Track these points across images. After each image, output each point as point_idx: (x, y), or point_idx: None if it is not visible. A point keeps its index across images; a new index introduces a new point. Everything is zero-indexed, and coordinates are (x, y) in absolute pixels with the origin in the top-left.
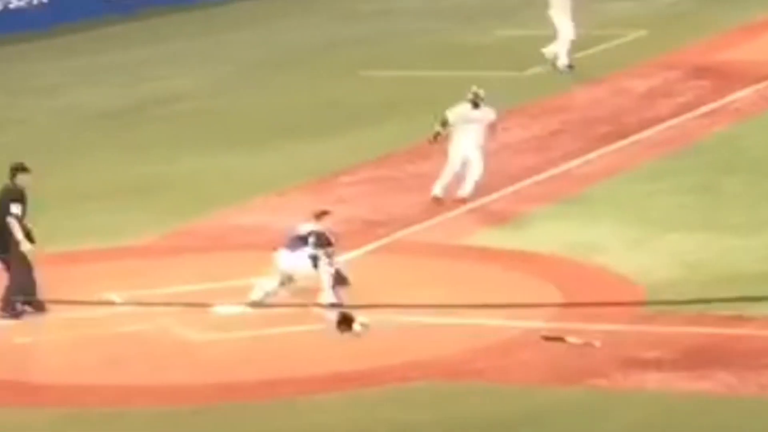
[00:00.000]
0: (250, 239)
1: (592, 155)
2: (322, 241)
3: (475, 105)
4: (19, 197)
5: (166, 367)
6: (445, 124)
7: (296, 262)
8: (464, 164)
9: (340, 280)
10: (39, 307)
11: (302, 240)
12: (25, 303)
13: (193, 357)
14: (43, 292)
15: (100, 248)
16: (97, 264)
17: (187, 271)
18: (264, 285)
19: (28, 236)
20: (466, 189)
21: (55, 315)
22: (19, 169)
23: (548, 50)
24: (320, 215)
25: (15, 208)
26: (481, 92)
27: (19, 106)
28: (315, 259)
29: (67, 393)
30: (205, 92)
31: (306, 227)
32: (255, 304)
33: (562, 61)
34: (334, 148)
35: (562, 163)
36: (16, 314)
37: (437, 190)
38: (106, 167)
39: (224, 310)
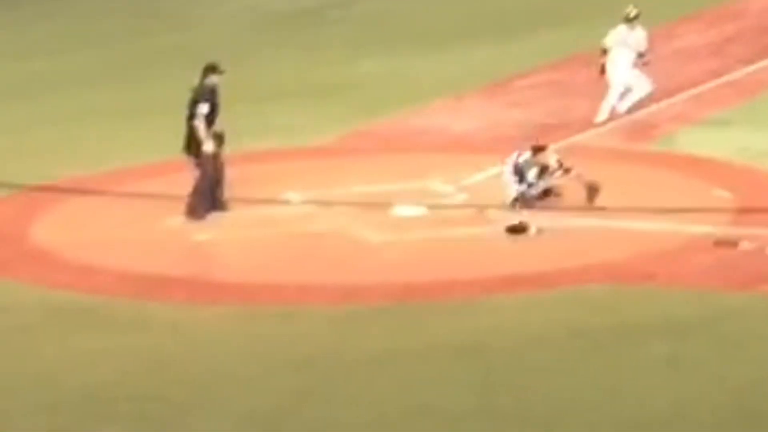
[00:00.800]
0: (429, 141)
1: (766, 62)
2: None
3: (630, 24)
4: (206, 97)
5: (343, 267)
6: (605, 52)
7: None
8: (626, 88)
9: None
10: (221, 206)
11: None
12: (208, 205)
13: (371, 257)
14: (227, 191)
15: (279, 148)
16: (277, 164)
17: (366, 172)
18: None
19: (220, 138)
20: (623, 105)
21: (234, 214)
22: (209, 68)
23: None
24: (537, 150)
25: (202, 108)
26: (634, 12)
27: (199, 6)
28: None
29: (246, 291)
30: None
31: (523, 156)
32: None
33: None
34: (512, 51)
35: (737, 70)
36: (199, 216)
37: (603, 115)
38: (285, 68)
39: (403, 210)
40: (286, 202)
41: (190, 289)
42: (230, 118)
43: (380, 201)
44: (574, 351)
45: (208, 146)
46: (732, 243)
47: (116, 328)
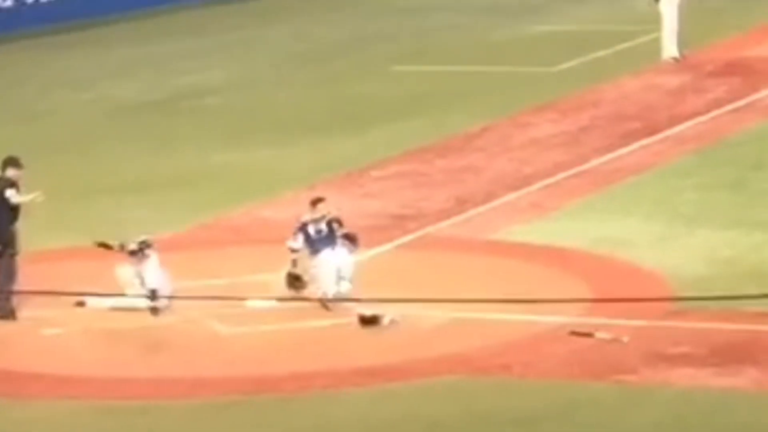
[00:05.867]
0: (280, 233)
1: (621, 151)
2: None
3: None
4: (10, 186)
5: (197, 359)
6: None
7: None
8: None
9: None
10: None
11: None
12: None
13: (224, 350)
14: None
15: None
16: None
17: (218, 265)
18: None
19: (13, 242)
20: None
21: (86, 306)
22: (8, 162)
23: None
24: (315, 202)
25: (9, 192)
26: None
27: (51, 98)
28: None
29: (98, 385)
30: (237, 86)
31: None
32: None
33: (669, 53)
34: (364, 142)
35: (592, 159)
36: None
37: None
38: (135, 161)
39: (256, 303)
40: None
41: (42, 384)
42: (81, 210)
43: (232, 293)
44: None
45: (24, 198)
46: (587, 333)
47: None
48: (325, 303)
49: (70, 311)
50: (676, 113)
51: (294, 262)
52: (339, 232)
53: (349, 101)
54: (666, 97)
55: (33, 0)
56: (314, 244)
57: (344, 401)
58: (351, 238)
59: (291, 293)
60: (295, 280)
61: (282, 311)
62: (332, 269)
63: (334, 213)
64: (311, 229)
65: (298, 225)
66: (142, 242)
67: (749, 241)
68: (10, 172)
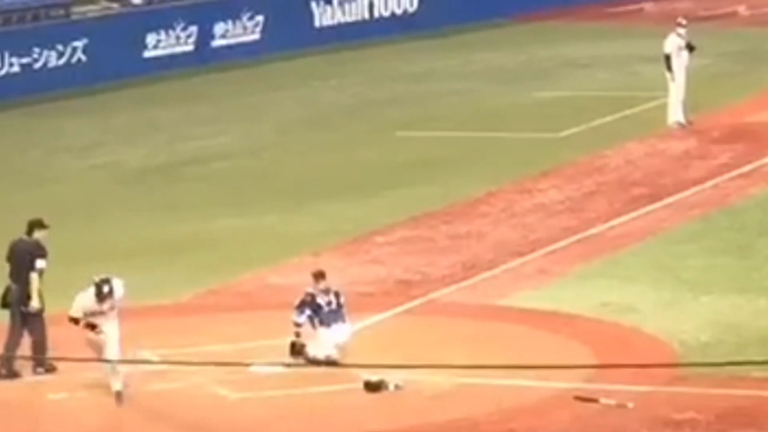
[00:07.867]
0: (285, 299)
1: (626, 217)
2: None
3: None
4: (43, 252)
5: (200, 425)
6: None
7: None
8: None
9: None
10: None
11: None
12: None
13: (228, 415)
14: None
15: (135, 306)
16: (133, 322)
17: (222, 330)
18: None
19: (40, 296)
20: None
21: (90, 373)
22: (36, 224)
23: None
24: (318, 276)
25: (41, 264)
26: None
27: (55, 163)
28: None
29: None
30: (242, 152)
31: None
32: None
33: (674, 118)
34: (370, 208)
35: (597, 225)
36: (51, 368)
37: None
38: (142, 226)
39: (261, 369)
40: (143, 361)
41: None
42: (85, 276)
43: (236, 359)
44: None
45: (36, 304)
46: (592, 398)
47: None
48: (329, 361)
49: (76, 375)
50: (682, 179)
51: (297, 334)
52: (345, 307)
53: (354, 167)
54: (671, 162)
55: (40, 65)
56: (325, 316)
57: None
58: None
59: (295, 360)
60: (299, 350)
61: (288, 377)
62: (334, 342)
63: (336, 285)
64: (321, 300)
65: (304, 297)
66: (104, 280)
67: (754, 307)
68: (38, 234)
